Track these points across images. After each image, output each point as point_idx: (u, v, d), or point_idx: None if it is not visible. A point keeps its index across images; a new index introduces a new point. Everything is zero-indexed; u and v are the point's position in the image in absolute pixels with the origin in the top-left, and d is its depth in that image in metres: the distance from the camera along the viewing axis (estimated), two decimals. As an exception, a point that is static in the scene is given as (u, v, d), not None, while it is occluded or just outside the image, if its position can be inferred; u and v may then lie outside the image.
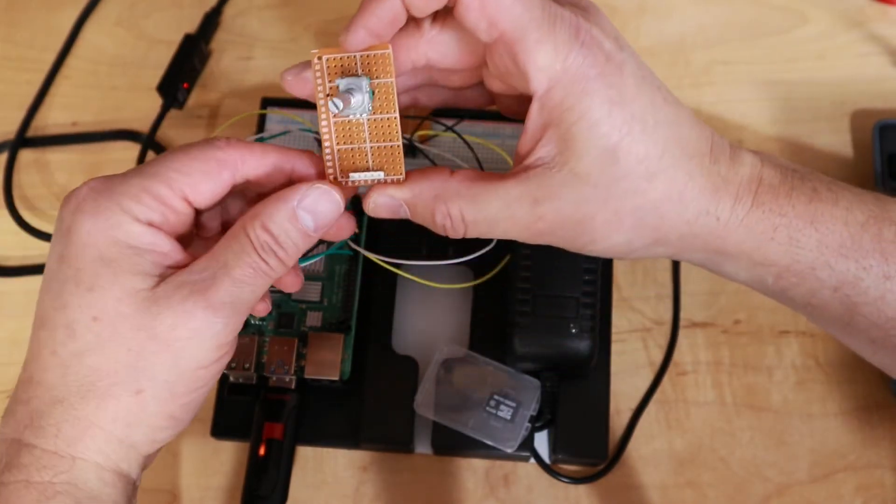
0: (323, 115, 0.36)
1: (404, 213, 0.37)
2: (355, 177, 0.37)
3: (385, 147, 0.37)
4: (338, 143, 0.36)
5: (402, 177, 0.37)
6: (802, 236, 0.36)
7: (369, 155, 0.37)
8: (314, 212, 0.35)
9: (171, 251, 0.34)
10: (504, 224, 0.36)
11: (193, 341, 0.33)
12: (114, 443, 0.33)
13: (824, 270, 0.36)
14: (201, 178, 0.35)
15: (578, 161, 0.34)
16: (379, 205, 0.37)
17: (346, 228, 0.38)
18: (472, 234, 0.37)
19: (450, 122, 0.52)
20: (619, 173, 0.34)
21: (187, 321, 0.33)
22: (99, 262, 0.33)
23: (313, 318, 0.48)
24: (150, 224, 0.34)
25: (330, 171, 0.37)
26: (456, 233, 0.36)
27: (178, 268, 0.34)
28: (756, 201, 0.36)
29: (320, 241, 0.48)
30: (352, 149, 0.36)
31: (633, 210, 0.35)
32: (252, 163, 0.36)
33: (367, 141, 0.36)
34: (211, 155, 0.35)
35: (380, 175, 0.37)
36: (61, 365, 0.33)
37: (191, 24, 0.58)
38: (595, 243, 0.36)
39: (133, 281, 0.33)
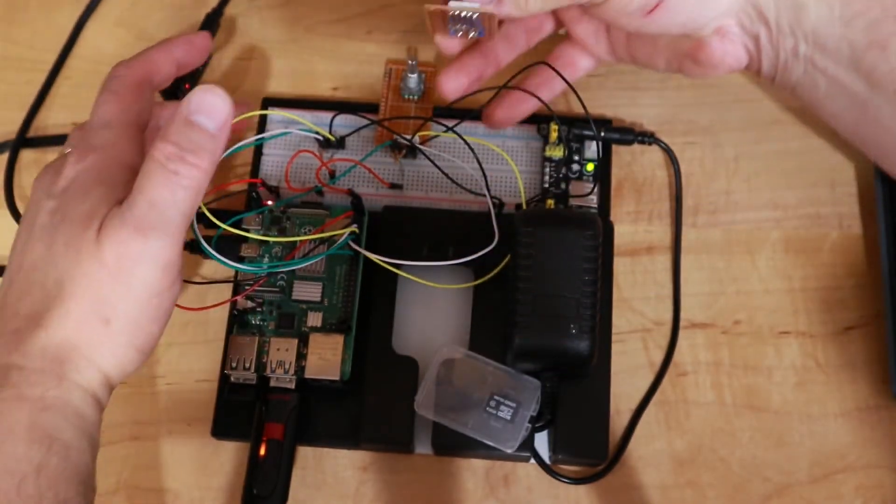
0: None
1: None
2: (454, 4, 0.40)
3: None
4: None
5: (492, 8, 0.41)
6: None
7: None
8: (206, 111, 0.37)
9: None
10: None
11: (138, 267, 0.36)
12: (92, 369, 0.36)
13: None
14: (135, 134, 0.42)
15: None
16: None
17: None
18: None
19: (450, 123, 0.52)
20: None
21: (126, 249, 0.36)
22: (80, 198, 0.37)
23: (314, 319, 0.48)
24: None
25: None
26: None
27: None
28: None
29: (321, 242, 0.48)
30: None
31: None
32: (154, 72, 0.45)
33: None
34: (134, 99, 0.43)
35: (476, 4, 0.40)
36: (47, 294, 0.36)
37: (191, 25, 0.58)
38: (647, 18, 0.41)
39: (100, 211, 0.37)
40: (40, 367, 0.35)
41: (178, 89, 0.55)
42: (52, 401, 0.34)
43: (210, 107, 0.38)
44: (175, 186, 0.36)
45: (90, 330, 0.36)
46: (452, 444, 0.47)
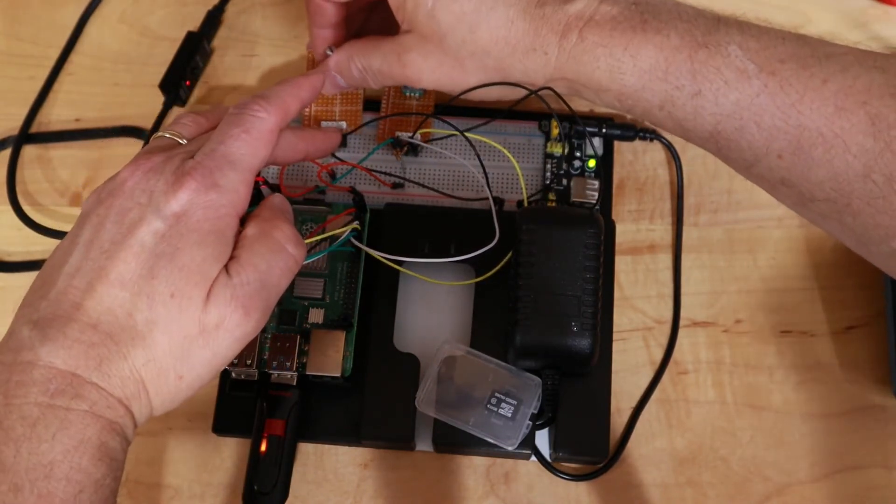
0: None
1: (340, 82, 0.49)
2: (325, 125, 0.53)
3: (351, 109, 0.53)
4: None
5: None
6: (622, 64, 0.41)
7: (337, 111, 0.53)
8: None
9: None
10: (385, 73, 0.46)
11: (229, 340, 0.37)
12: (147, 410, 0.37)
13: (647, 92, 0.41)
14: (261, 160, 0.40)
15: (416, 26, 0.44)
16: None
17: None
18: (376, 83, 0.48)
19: (452, 121, 0.52)
20: (444, 31, 0.43)
21: (226, 323, 0.36)
22: (196, 246, 0.36)
23: (315, 315, 0.48)
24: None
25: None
26: (370, 82, 0.48)
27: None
28: (581, 36, 0.41)
29: (322, 238, 0.48)
30: (325, 110, 0.53)
31: (470, 56, 0.43)
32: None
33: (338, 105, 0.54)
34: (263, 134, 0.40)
35: (343, 124, 0.53)
36: (133, 328, 0.35)
37: (193, 22, 0.58)
38: (458, 85, 0.45)
39: (213, 272, 0.37)
40: (118, 395, 0.35)
41: (178, 86, 0.55)
42: (118, 427, 0.35)
43: None
44: (289, 274, 0.39)
45: (164, 380, 0.36)
46: (453, 442, 0.47)
